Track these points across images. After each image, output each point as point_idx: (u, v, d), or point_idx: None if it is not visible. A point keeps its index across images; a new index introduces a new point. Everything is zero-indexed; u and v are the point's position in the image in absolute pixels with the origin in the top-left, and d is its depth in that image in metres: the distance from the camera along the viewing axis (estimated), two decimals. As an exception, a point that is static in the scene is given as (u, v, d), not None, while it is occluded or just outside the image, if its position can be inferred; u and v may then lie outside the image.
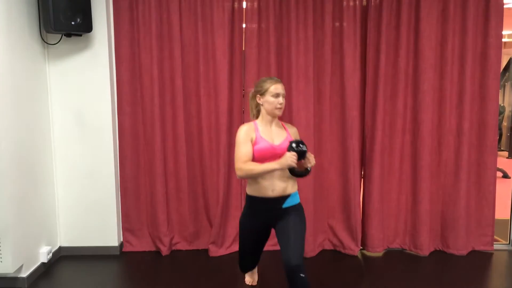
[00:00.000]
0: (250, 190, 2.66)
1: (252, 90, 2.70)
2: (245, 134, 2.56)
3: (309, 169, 2.52)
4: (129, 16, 3.66)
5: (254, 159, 2.54)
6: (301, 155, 2.44)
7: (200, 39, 3.68)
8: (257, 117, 2.70)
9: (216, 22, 3.63)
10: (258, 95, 2.63)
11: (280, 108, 2.61)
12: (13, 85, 3.10)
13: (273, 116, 2.64)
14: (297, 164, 2.46)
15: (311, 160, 2.49)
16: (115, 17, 3.66)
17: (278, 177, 2.57)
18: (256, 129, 2.60)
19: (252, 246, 2.81)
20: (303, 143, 2.46)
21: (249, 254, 2.85)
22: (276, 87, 2.60)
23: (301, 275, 2.39)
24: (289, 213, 2.61)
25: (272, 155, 2.53)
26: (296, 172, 2.51)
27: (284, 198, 2.62)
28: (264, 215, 2.66)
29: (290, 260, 2.41)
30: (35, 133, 3.41)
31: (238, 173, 2.53)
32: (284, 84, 3.64)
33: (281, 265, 3.36)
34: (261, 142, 2.55)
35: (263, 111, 2.64)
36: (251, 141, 2.56)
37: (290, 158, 2.40)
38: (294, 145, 2.44)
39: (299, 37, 3.62)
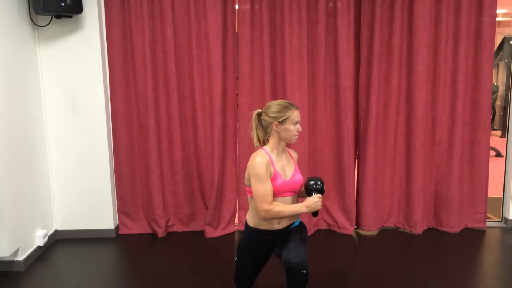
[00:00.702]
0: (253, 223, 2.52)
1: (258, 113, 2.53)
2: (265, 169, 2.35)
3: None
4: (120, -4, 3.60)
5: None
6: (322, 193, 2.44)
7: (193, 20, 3.63)
8: (262, 143, 2.53)
9: (208, 2, 3.58)
10: (276, 123, 2.40)
11: (297, 136, 2.47)
12: (3, 69, 3.06)
13: (288, 143, 2.48)
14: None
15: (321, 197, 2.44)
16: (106, -2, 3.61)
17: None
18: (272, 162, 2.41)
19: (251, 270, 2.69)
20: (320, 180, 2.43)
21: (246, 276, 2.71)
22: (296, 115, 2.43)
23: (303, 271, 2.28)
24: (291, 232, 2.53)
25: (284, 190, 2.45)
26: (317, 212, 2.45)
27: (289, 226, 2.54)
28: (267, 244, 2.57)
29: (290, 260, 2.27)
30: (27, 117, 3.38)
31: (264, 214, 2.35)
32: (277, 65, 3.62)
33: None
34: (278, 178, 2.41)
35: (275, 138, 2.45)
36: (270, 176, 2.39)
37: (320, 202, 2.38)
38: (312, 183, 2.42)
39: (292, 17, 3.59)
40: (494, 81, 7.63)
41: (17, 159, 3.21)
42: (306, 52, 3.64)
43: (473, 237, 3.76)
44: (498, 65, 8.80)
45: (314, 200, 2.36)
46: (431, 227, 3.95)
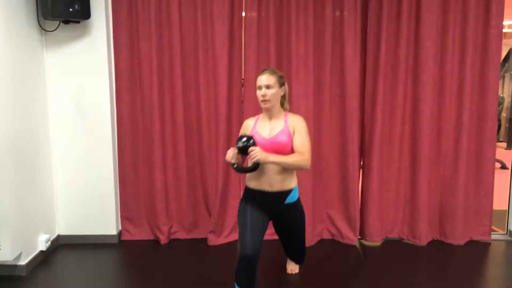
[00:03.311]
0: (249, 183, 2.67)
1: None
2: (241, 129, 2.74)
3: (251, 166, 2.49)
4: (127, 3, 3.62)
5: None
6: (241, 150, 2.43)
7: (200, 27, 3.65)
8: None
9: (215, 10, 3.60)
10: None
11: (264, 101, 2.54)
12: (10, 73, 3.08)
13: (263, 109, 2.62)
14: (243, 159, 2.57)
15: (252, 155, 2.37)
16: (113, 4, 3.62)
17: (276, 172, 2.55)
18: (255, 123, 2.66)
19: (251, 230, 2.52)
20: (245, 140, 2.42)
21: (250, 238, 2.49)
22: (259, 79, 2.56)
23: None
24: (289, 211, 2.67)
25: (264, 147, 2.48)
26: (236, 168, 2.51)
27: (284, 193, 2.61)
28: (264, 207, 2.62)
29: (296, 261, 3.14)
30: (32, 121, 3.39)
31: None
32: (283, 74, 3.63)
33: (279, 257, 3.38)
34: (255, 136, 2.56)
35: None
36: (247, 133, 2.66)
37: (228, 153, 2.47)
38: (242, 139, 2.44)
39: (299, 26, 3.60)
40: (500, 92, 7.61)
41: (21, 164, 3.22)
42: (312, 61, 3.64)
43: (478, 249, 3.73)
44: (504, 76, 8.78)
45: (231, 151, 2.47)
46: (435, 238, 3.92)
